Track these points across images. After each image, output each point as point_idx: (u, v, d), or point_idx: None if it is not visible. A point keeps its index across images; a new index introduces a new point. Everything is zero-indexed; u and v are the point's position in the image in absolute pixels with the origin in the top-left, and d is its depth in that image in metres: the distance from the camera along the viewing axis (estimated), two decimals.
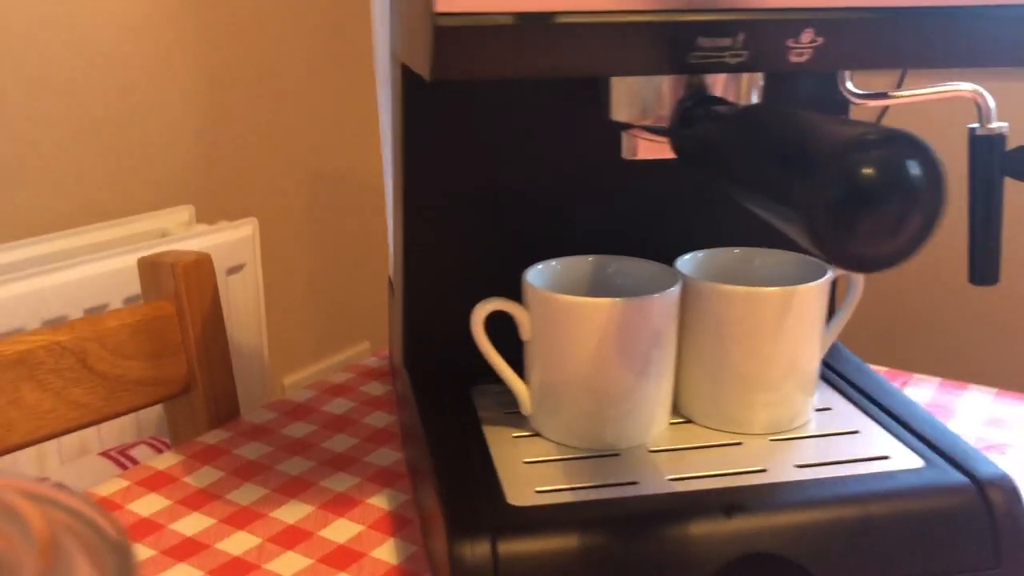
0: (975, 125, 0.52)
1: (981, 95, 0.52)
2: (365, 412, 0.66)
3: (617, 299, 0.46)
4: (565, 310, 0.47)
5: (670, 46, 0.38)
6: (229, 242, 1.22)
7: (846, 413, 0.52)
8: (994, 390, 0.67)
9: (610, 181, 0.56)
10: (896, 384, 0.67)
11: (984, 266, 0.54)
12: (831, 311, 0.56)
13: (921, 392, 0.67)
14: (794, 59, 0.39)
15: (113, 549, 0.19)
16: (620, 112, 0.47)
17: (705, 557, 0.42)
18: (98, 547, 0.19)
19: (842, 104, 0.54)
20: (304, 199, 1.56)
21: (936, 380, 0.69)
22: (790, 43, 0.39)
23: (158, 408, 1.04)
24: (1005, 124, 0.52)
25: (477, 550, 0.41)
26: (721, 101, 0.42)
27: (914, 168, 0.27)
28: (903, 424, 0.51)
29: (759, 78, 0.46)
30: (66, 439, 1.04)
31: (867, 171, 0.27)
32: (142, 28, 1.30)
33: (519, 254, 0.54)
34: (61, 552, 0.18)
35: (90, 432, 1.07)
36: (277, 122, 1.50)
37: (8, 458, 0.90)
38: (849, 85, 0.52)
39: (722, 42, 0.38)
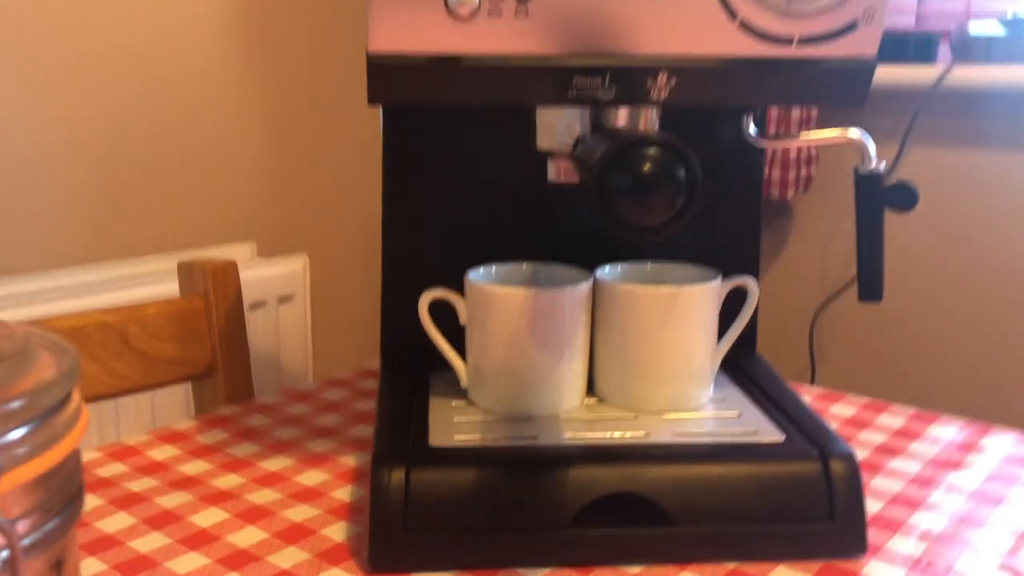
0: (858, 166, 0.62)
1: (863, 139, 0.61)
2: (357, 400, 0.77)
3: (531, 289, 0.57)
4: (491, 298, 0.58)
5: (553, 83, 0.49)
6: (281, 274, 1.36)
7: (736, 401, 0.62)
8: None
9: (554, 202, 0.67)
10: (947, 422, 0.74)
11: (870, 285, 0.63)
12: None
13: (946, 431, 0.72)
14: (654, 96, 0.50)
15: (64, 351, 0.30)
16: (543, 142, 0.58)
17: (579, 493, 0.52)
18: (54, 347, 0.30)
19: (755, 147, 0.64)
20: (356, 236, 1.70)
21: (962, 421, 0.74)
22: (649, 83, 0.50)
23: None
24: (883, 162, 0.62)
25: (394, 475, 0.52)
26: (604, 130, 0.53)
27: (649, 162, 0.38)
28: (781, 411, 0.60)
29: (652, 112, 0.56)
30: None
31: (612, 165, 0.37)
32: (215, 77, 1.48)
33: (479, 262, 0.65)
34: (30, 345, 0.29)
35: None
36: (337, 164, 1.65)
37: None
38: (751, 130, 0.63)
39: (594, 81, 0.49)
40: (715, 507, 0.52)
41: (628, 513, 0.52)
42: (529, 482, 0.52)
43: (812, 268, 1.53)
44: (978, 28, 1.31)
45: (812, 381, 1.53)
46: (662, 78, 0.50)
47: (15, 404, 0.26)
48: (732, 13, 0.48)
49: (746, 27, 0.48)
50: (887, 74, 1.38)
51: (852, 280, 1.47)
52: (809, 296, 1.53)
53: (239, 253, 1.45)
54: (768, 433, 0.57)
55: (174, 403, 1.19)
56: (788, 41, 0.49)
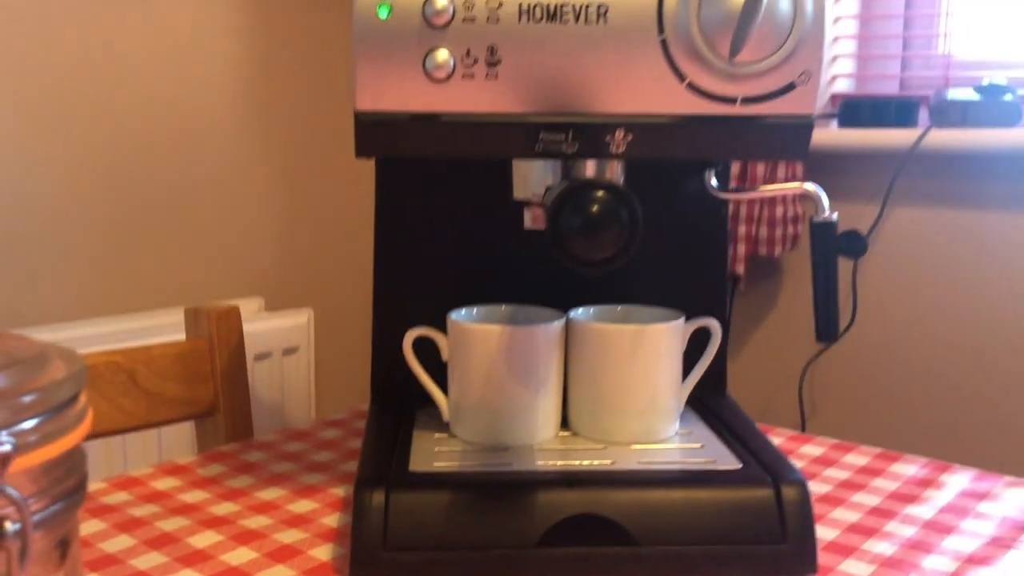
0: (813, 215, 0.67)
1: (817, 192, 0.66)
2: (351, 438, 0.81)
3: (506, 326, 0.62)
4: (470, 334, 0.62)
5: (522, 138, 0.55)
6: (286, 327, 1.42)
7: (701, 435, 0.66)
8: None
9: (531, 248, 0.72)
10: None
11: (826, 326, 0.67)
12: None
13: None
14: (614, 150, 0.55)
15: (74, 359, 0.35)
16: (519, 192, 0.63)
17: (547, 515, 0.56)
18: (66, 356, 0.35)
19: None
20: (359, 291, 1.76)
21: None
22: (608, 138, 0.55)
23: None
24: (835, 213, 0.67)
25: (375, 497, 0.56)
26: (572, 180, 0.58)
27: (596, 204, 0.43)
28: (743, 443, 0.64)
29: (617, 166, 0.61)
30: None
31: (563, 207, 0.42)
32: (226, 141, 1.55)
33: (463, 304, 0.70)
34: (45, 353, 0.34)
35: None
36: (340, 223, 1.71)
37: None
38: (713, 182, 0.68)
39: (558, 137, 0.55)
40: (675, 529, 0.56)
41: (594, 534, 0.56)
42: (500, 504, 0.56)
43: (800, 323, 1.57)
44: (955, 94, 1.37)
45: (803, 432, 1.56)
46: (619, 134, 0.55)
47: (29, 398, 0.30)
48: (681, 76, 0.53)
49: (693, 88, 0.54)
50: (870, 137, 1.44)
51: (842, 333, 1.51)
52: (798, 350, 1.56)
53: (248, 307, 1.51)
54: (727, 462, 0.61)
55: (180, 441, 1.24)
56: (732, 100, 0.54)
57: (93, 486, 0.70)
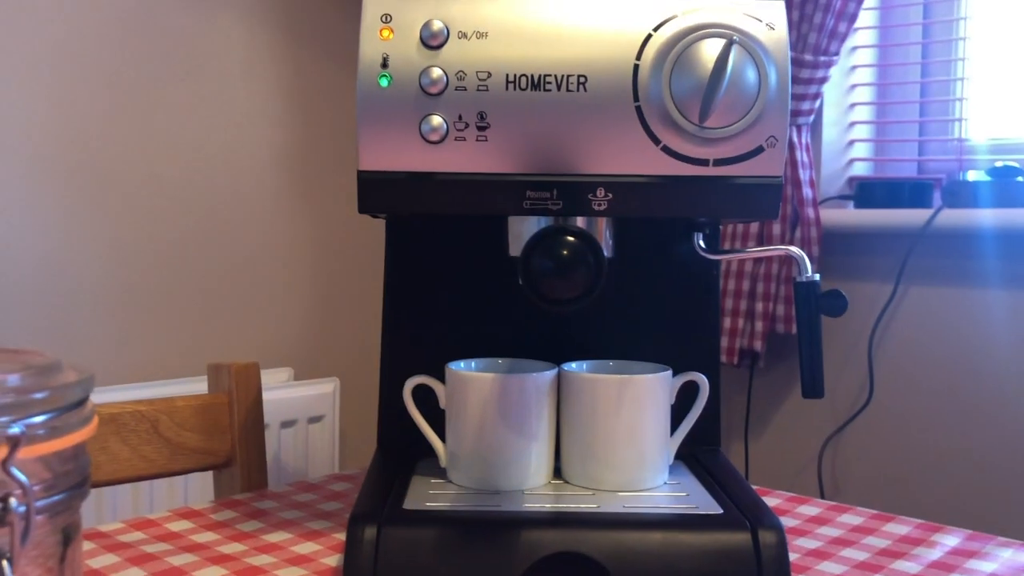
0: (796, 275, 0.70)
1: (799, 253, 0.70)
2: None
3: (498, 375, 0.65)
4: (465, 382, 0.66)
5: (510, 196, 0.60)
6: (313, 396, 1.46)
7: (689, 486, 0.68)
8: None
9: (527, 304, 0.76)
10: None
11: (812, 383, 0.70)
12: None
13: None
14: (596, 207, 0.60)
15: (84, 370, 0.39)
16: (513, 250, 0.68)
17: (531, 551, 0.58)
18: (78, 367, 0.39)
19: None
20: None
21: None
22: (590, 196, 0.60)
23: None
24: (818, 275, 0.70)
25: (367, 532, 0.59)
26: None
27: (564, 248, 0.47)
28: (727, 493, 0.66)
29: (604, 224, 0.65)
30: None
31: (534, 250, 0.47)
32: (259, 219, 1.63)
33: (466, 357, 0.74)
34: (59, 363, 0.38)
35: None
36: (367, 297, 1.77)
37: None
38: (700, 243, 0.72)
39: (544, 195, 0.59)
40: (655, 570, 0.58)
41: (576, 574, 0.58)
42: (487, 541, 0.59)
43: (821, 400, 1.57)
44: (968, 176, 1.41)
45: None
46: (601, 192, 0.59)
47: (40, 395, 0.35)
48: (656, 139, 0.58)
49: (668, 151, 0.58)
50: (885, 217, 1.47)
51: (860, 410, 1.52)
52: (819, 427, 1.57)
53: (277, 376, 1.56)
54: (708, 508, 0.63)
55: (205, 493, 1.27)
56: (705, 162, 0.59)
57: (111, 526, 0.74)
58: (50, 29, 1.38)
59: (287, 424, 1.44)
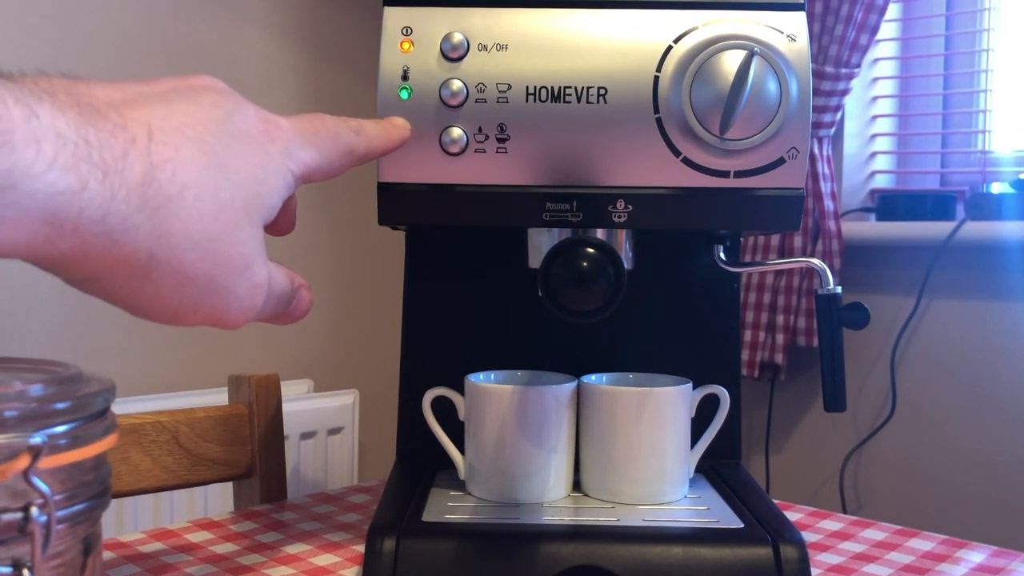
0: (818, 288, 0.69)
1: (820, 265, 0.70)
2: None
3: (518, 387, 0.65)
4: (485, 393, 0.66)
5: (530, 208, 0.60)
6: (333, 407, 1.46)
7: (709, 499, 0.68)
8: None
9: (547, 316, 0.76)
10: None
11: (834, 396, 0.70)
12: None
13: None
14: (616, 220, 0.60)
15: (106, 381, 0.39)
16: (532, 262, 0.68)
17: (550, 565, 0.58)
18: (99, 378, 0.39)
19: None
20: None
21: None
22: (610, 209, 0.59)
23: None
24: (839, 287, 0.70)
25: (386, 544, 0.59)
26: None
27: (584, 260, 0.47)
28: (748, 507, 0.65)
29: (624, 236, 0.65)
30: None
31: (554, 262, 0.46)
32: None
33: (486, 369, 0.74)
34: (81, 374, 0.39)
35: None
36: (387, 310, 1.78)
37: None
38: (721, 255, 0.71)
39: (564, 207, 0.59)
40: None
41: None
42: (505, 554, 0.59)
43: (843, 414, 1.56)
44: (991, 189, 1.40)
45: None
46: (620, 205, 0.59)
47: (62, 405, 0.35)
48: (676, 151, 0.58)
49: (688, 162, 0.58)
50: (907, 229, 1.46)
51: (883, 423, 1.50)
52: (841, 440, 1.55)
53: (298, 388, 1.56)
54: (729, 522, 0.62)
55: (226, 504, 1.27)
56: (725, 174, 0.58)
57: (131, 536, 0.74)
58: (68, 43, 1.40)
59: (307, 435, 1.44)
